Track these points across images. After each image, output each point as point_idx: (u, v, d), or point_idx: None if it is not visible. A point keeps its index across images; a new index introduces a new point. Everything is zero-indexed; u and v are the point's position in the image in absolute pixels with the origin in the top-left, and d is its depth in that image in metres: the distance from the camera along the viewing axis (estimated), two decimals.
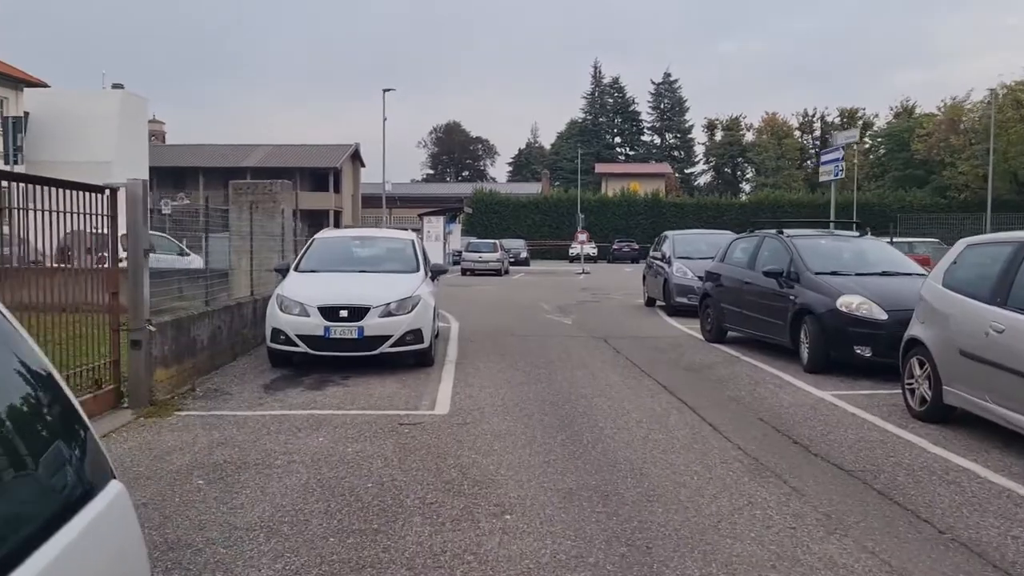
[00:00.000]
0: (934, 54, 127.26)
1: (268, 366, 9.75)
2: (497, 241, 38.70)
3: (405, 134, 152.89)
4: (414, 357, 9.67)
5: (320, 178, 69.79)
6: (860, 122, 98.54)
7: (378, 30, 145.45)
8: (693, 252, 16.71)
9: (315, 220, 69.67)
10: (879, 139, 79.19)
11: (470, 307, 18.54)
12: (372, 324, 9.12)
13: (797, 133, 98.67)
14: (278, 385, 8.79)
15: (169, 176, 71.21)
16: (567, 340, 12.59)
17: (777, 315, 10.29)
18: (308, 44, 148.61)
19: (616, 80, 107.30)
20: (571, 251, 54.18)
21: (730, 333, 12.10)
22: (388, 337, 9.21)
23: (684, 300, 15.83)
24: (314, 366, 9.54)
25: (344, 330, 9.08)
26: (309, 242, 10.96)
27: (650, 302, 18.62)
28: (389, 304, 9.29)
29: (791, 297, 10.01)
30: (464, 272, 36.07)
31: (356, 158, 74.92)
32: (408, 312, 9.37)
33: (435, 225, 43.53)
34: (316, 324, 9.08)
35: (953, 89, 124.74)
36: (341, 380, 9.01)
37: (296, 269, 10.27)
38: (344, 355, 9.26)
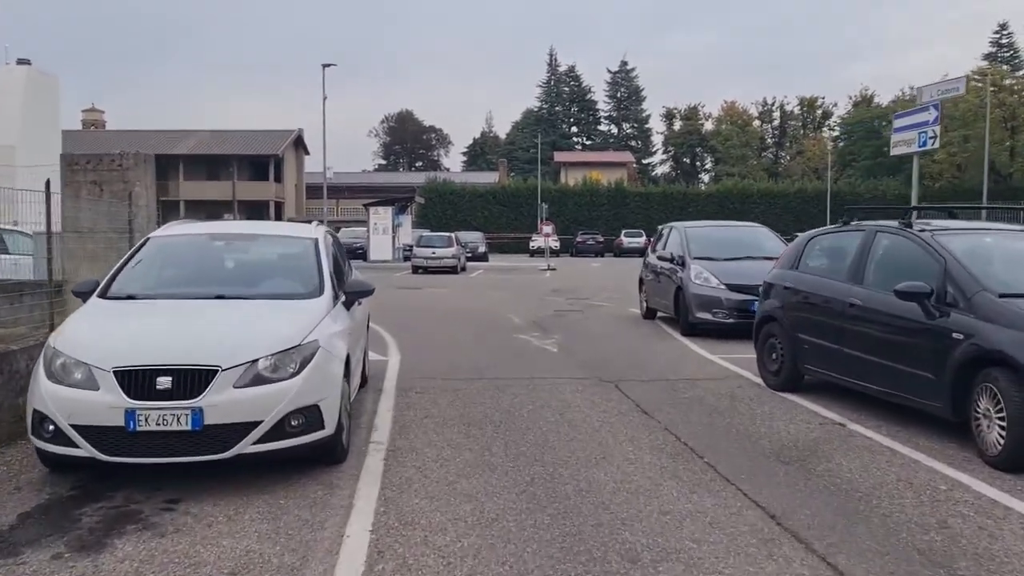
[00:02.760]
0: (881, 48, 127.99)
1: (42, 472, 5.39)
2: (452, 234, 34.33)
3: (356, 123, 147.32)
4: (310, 451, 5.38)
5: (260, 166, 64.66)
6: (819, 111, 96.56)
7: (328, 15, 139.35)
8: (716, 251, 12.61)
9: (255, 212, 64.49)
10: (848, 126, 76.31)
11: (418, 323, 14.24)
12: (220, 403, 4.80)
13: (756, 123, 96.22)
14: (21, 534, 4.42)
15: None
16: (561, 387, 8.40)
17: (921, 362, 6.22)
18: (255, 30, 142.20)
19: (572, 68, 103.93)
20: (532, 244, 50.15)
21: (804, 376, 8.04)
22: (253, 426, 4.90)
23: (707, 316, 11.74)
24: (121, 474, 5.18)
25: (166, 416, 4.74)
26: (139, 243, 6.54)
27: (650, 313, 14.53)
28: (257, 362, 4.98)
29: (952, 334, 5.93)
30: (415, 270, 31.70)
31: (299, 145, 69.87)
32: (294, 374, 5.07)
33: (383, 217, 39.18)
34: (110, 405, 4.73)
35: (901, 81, 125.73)
36: (156, 513, 4.68)
37: (102, 294, 5.87)
38: (168, 462, 4.92)
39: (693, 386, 8.51)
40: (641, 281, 15.10)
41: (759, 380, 8.64)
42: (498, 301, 18.97)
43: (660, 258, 13.41)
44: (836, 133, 73.60)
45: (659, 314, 14.39)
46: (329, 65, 40.39)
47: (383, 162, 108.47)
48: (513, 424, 6.84)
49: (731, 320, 11.56)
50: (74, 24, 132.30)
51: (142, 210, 9.38)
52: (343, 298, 6.31)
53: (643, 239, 52.54)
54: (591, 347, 11.23)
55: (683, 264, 12.45)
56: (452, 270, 31.48)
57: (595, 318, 15.03)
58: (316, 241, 6.57)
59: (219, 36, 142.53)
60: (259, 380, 4.96)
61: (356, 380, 6.53)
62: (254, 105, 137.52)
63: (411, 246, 34.81)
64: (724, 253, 12.52)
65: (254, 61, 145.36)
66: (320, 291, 6.02)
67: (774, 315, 8.24)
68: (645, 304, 14.69)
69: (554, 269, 33.57)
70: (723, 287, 11.68)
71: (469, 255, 37.08)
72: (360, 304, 7.01)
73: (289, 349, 5.12)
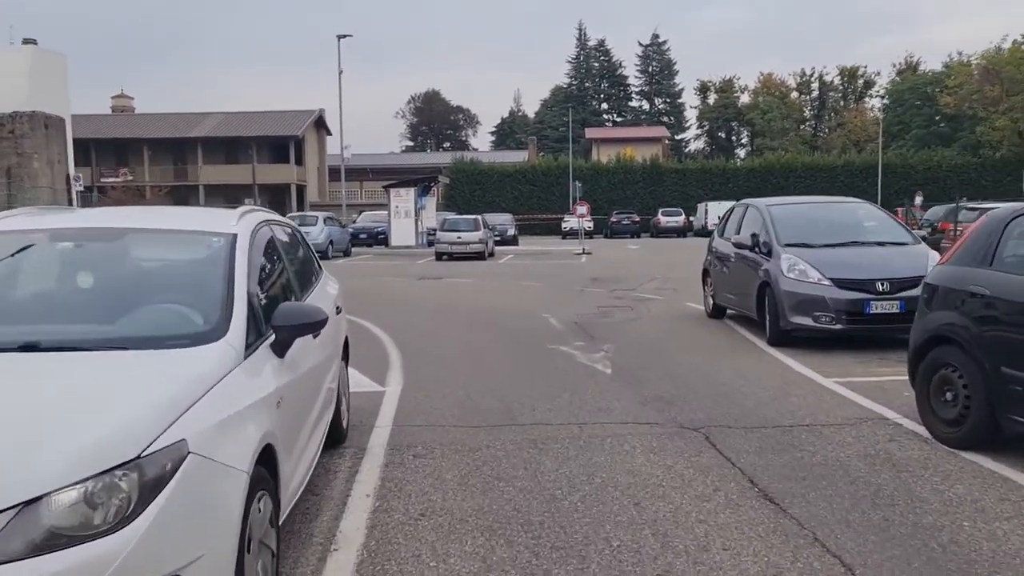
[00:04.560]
0: (911, 20, 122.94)
1: None
2: (479, 217, 31.66)
3: (383, 105, 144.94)
4: None
5: (280, 149, 62.40)
6: (861, 81, 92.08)
7: None
8: (810, 235, 9.80)
9: (275, 196, 62.35)
10: (898, 93, 71.95)
11: (434, 328, 11.63)
12: None
13: (794, 94, 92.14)
14: None
15: (111, 150, 63.32)
16: (628, 442, 5.73)
17: None
18: (279, 13, 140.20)
19: (602, 43, 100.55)
20: (564, 226, 47.45)
21: (1003, 428, 5.29)
22: None
23: (805, 321, 8.98)
24: None
25: None
26: None
27: (717, 312, 11.81)
28: (39, 502, 2.38)
29: None
30: (439, 256, 29.14)
31: (321, 126, 67.55)
32: (124, 519, 2.47)
33: (404, 199, 36.59)
34: None
35: (939, 52, 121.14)
36: None
37: None
38: None
39: (820, 438, 5.79)
40: (706, 272, 12.35)
41: (918, 427, 5.91)
42: (530, 295, 16.33)
43: (737, 245, 10.61)
44: (886, 101, 69.27)
45: (728, 311, 11.70)
46: (345, 36, 37.80)
47: (411, 144, 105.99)
48: (563, 531, 4.20)
49: (838, 326, 8.82)
50: (105, 11, 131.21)
51: (43, 193, 6.84)
52: (271, 337, 3.69)
53: (682, 218, 49.61)
54: (655, 365, 8.53)
55: (769, 252, 9.68)
56: (479, 256, 28.87)
57: (649, 318, 12.31)
58: (233, 240, 3.93)
59: (244, 19, 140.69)
60: (47, 541, 2.37)
61: (298, 478, 3.91)
62: (277, 89, 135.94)
63: (435, 230, 32.22)
64: (822, 238, 9.73)
65: (277, 44, 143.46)
66: (224, 328, 3.40)
67: (950, 335, 5.49)
68: (711, 300, 11.94)
69: (589, 253, 30.82)
70: (827, 283, 8.91)
71: (497, 239, 34.46)
72: (317, 337, 4.37)
73: (117, 468, 2.51)
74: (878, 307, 8.68)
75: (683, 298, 14.65)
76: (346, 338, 5.98)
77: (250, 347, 3.48)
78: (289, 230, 5.28)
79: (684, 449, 5.58)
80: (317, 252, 24.69)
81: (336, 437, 5.56)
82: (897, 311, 8.65)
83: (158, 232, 4.16)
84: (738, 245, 10.55)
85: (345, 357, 5.97)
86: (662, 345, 9.84)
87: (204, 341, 3.31)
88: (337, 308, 5.63)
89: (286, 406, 3.61)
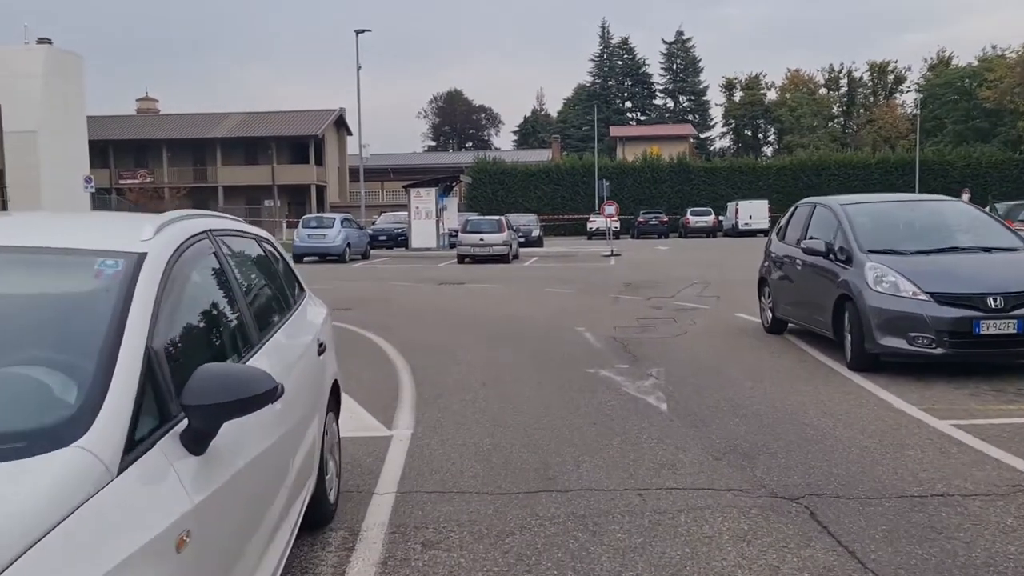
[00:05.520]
0: (932, 16, 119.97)
1: None
2: (502, 218, 30.24)
3: (406, 106, 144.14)
4: None
5: (300, 149, 61.44)
6: (892, 76, 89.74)
7: None
8: (897, 240, 8.28)
9: (295, 197, 61.36)
10: (933, 88, 69.66)
11: (453, 346, 10.20)
12: None
13: (823, 91, 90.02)
14: None
15: (130, 151, 62.56)
16: (709, 523, 4.28)
17: None
18: (300, 14, 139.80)
19: (625, 40, 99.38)
20: (590, 226, 46.03)
21: None
22: None
23: (899, 343, 7.45)
24: None
25: None
26: None
27: (776, 325, 10.32)
28: None
29: None
30: (461, 259, 27.79)
31: (341, 125, 66.56)
32: None
33: (425, 200, 35.31)
34: None
35: (960, 46, 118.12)
36: None
37: None
38: None
39: (967, 517, 4.31)
40: (763, 280, 10.85)
41: None
42: (560, 303, 14.90)
43: (807, 251, 9.06)
44: (922, 96, 66.96)
45: (790, 325, 10.22)
46: (363, 31, 36.55)
47: (433, 144, 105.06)
48: None
49: (939, 350, 7.30)
50: (135, 14, 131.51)
51: None
52: (182, 423, 2.30)
53: (711, 218, 47.89)
54: (719, 398, 7.05)
55: (848, 260, 8.17)
56: (503, 259, 27.48)
57: (697, 333, 10.82)
58: (138, 263, 2.54)
59: (266, 19, 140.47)
60: None
61: None
62: (298, 88, 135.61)
63: (456, 231, 30.88)
64: (912, 243, 8.22)
65: (299, 43, 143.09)
66: (87, 420, 2.01)
67: None
68: (770, 313, 10.45)
69: (618, 255, 29.37)
70: (924, 297, 7.39)
71: (522, 240, 33.06)
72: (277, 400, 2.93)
73: None
74: (990, 327, 7.17)
75: (729, 307, 13.17)
76: (335, 382, 4.58)
77: (137, 445, 2.09)
78: (252, 241, 3.90)
79: (787, 535, 4.13)
80: (334, 255, 23.23)
81: (319, 515, 4.18)
82: (1014, 331, 7.16)
83: (22, 251, 2.74)
84: (808, 251, 9.02)
85: (334, 407, 4.58)
86: (720, 369, 8.36)
87: (46, 445, 1.91)
88: (320, 345, 4.24)
89: (203, 538, 2.21)
